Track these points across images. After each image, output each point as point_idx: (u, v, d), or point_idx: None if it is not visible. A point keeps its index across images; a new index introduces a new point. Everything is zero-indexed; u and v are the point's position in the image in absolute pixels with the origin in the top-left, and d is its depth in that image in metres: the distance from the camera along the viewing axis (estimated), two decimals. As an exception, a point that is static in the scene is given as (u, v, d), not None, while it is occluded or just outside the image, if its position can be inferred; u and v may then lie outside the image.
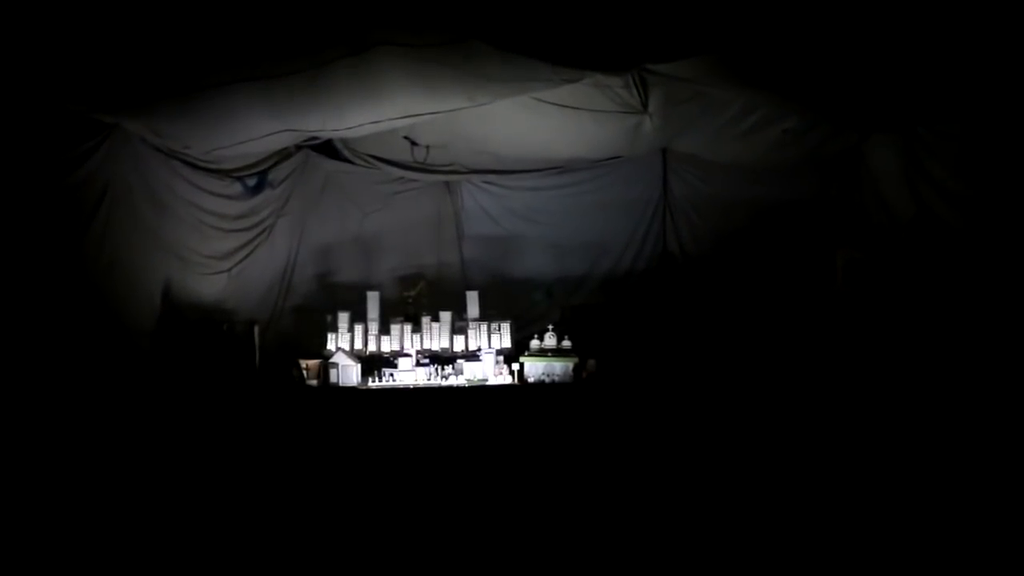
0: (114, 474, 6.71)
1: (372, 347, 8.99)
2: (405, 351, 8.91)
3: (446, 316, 9.11)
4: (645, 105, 8.47)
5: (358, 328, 8.99)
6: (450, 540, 6.24)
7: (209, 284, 8.80)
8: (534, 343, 8.90)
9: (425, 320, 9.07)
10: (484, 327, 9.05)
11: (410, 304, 9.26)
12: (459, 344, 9.06)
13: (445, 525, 6.50)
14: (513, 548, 6.08)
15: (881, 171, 9.25)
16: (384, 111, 7.79)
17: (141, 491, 6.67)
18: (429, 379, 8.62)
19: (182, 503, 6.63)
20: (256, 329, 8.57)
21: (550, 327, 9.00)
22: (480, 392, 8.47)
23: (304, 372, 8.54)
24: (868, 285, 8.46)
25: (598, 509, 6.68)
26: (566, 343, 8.86)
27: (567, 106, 8.44)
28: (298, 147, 9.48)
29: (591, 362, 8.69)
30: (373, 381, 8.54)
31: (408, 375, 8.60)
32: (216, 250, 8.93)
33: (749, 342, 8.83)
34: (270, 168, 9.32)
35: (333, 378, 8.52)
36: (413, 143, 9.47)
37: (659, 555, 5.94)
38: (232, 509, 6.66)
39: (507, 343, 8.99)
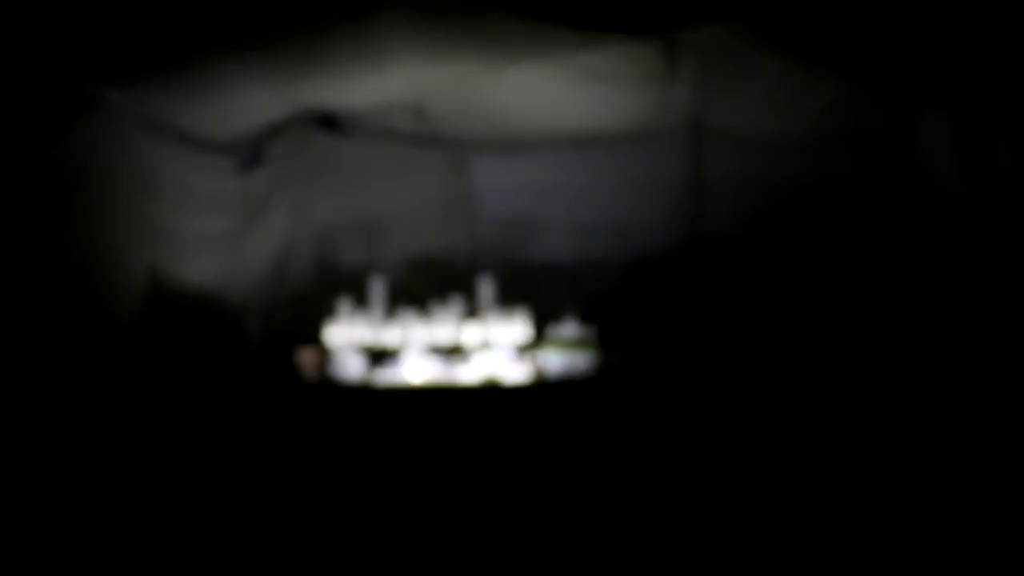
0: (94, 472, 6.74)
1: (376, 338, 8.97)
2: (412, 342, 8.89)
3: (457, 304, 9.05)
4: (674, 73, 8.47)
5: (361, 317, 8.97)
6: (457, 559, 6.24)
7: (199, 269, 8.78)
8: (553, 334, 8.86)
9: (434, 309, 9.03)
10: (498, 316, 8.99)
11: (418, 290, 9.30)
12: (471, 335, 8.97)
13: (449, 537, 6.50)
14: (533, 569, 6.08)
15: (934, 148, 9.08)
16: (389, 79, 7.80)
17: (121, 490, 6.70)
18: (438, 373, 8.63)
19: (164, 505, 6.65)
20: (250, 318, 8.76)
21: (571, 316, 8.93)
22: (493, 388, 8.45)
23: (302, 365, 8.58)
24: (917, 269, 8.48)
25: (619, 519, 6.67)
26: (588, 334, 8.81)
27: (589, 73, 8.38)
28: (295, 119, 9.37)
29: (615, 354, 8.69)
30: (377, 375, 8.57)
31: (416, 368, 8.61)
32: (206, 232, 8.89)
33: (789, 333, 8.83)
34: (265, 142, 9.18)
35: (333, 372, 8.52)
36: (420, 114, 9.43)
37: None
38: (219, 511, 6.69)
39: (524, 334, 8.92)
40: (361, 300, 9.04)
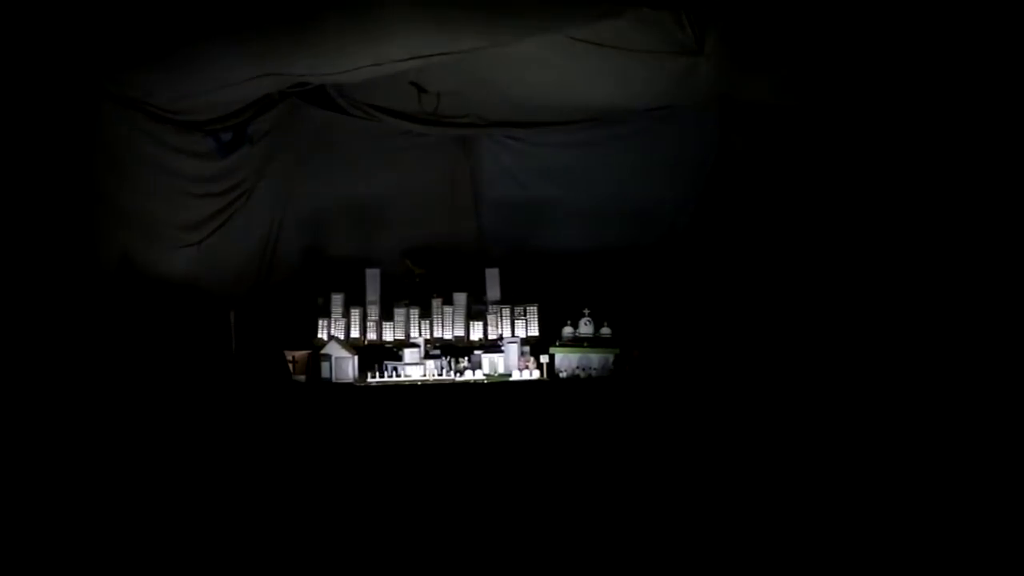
0: (56, 480, 6.61)
1: (372, 335, 9.00)
2: (411, 340, 8.91)
3: (461, 298, 9.09)
4: (700, 45, 8.18)
5: (355, 313, 8.99)
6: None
7: (176, 259, 8.66)
8: (566, 330, 8.82)
9: (436, 303, 9.03)
10: (506, 311, 9.02)
11: (418, 283, 9.30)
12: (476, 332, 9.04)
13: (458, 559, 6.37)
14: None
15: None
16: (387, 51, 7.63)
17: (83, 500, 6.59)
18: (440, 374, 8.57)
19: (132, 519, 6.53)
20: (232, 313, 8.47)
21: (586, 311, 8.88)
22: (501, 390, 8.38)
23: (291, 365, 8.48)
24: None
25: (642, 538, 6.51)
26: (605, 330, 8.80)
27: (606, 45, 8.16)
28: (283, 95, 9.30)
29: (635, 352, 8.61)
30: (373, 376, 8.48)
31: (415, 369, 8.57)
32: (184, 219, 8.78)
33: (832, 329, 8.64)
34: (249, 120, 9.13)
35: (325, 372, 8.48)
36: (421, 90, 9.33)
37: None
38: (193, 530, 6.54)
39: (534, 331, 8.94)
40: (355, 294, 9.10)
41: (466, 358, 8.77)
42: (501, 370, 8.63)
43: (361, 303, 9.03)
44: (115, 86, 7.73)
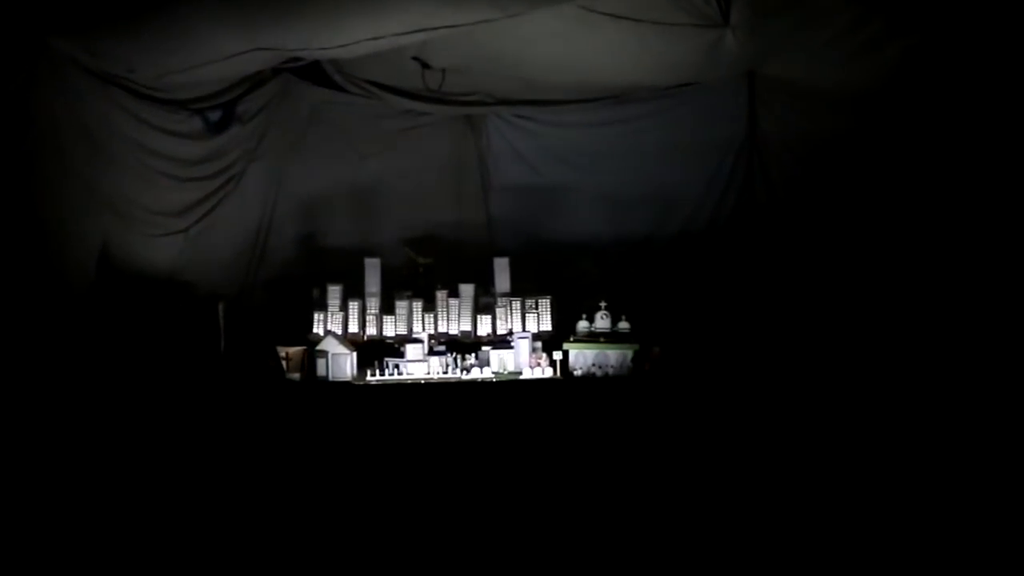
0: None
1: (371, 330, 8.96)
2: (414, 335, 8.85)
3: (468, 290, 9.03)
4: (726, 16, 8.24)
5: (353, 306, 8.96)
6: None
7: (159, 248, 8.71)
8: (582, 325, 8.75)
9: (440, 295, 8.98)
10: (517, 304, 8.97)
11: (421, 274, 9.22)
12: (484, 327, 8.97)
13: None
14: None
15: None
16: (388, 24, 7.63)
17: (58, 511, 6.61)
18: (446, 372, 8.49)
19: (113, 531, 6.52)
20: (221, 307, 8.51)
21: (602, 304, 8.79)
22: (511, 389, 8.31)
23: (284, 362, 8.36)
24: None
25: (664, 555, 6.43)
26: (623, 325, 8.70)
27: (625, 17, 8.22)
28: (276, 71, 9.35)
29: (656, 349, 8.51)
30: (372, 375, 8.41)
31: (418, 367, 8.49)
32: (169, 204, 8.82)
33: (864, 324, 8.62)
34: (239, 98, 9.20)
35: (321, 370, 8.43)
36: (425, 66, 9.29)
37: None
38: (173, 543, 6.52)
39: (547, 325, 8.90)
40: (354, 285, 9.06)
41: (473, 355, 8.70)
42: (511, 368, 8.53)
43: (360, 295, 8.99)
44: (95, 62, 7.80)
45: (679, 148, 10.03)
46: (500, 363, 8.54)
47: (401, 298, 8.99)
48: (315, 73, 9.55)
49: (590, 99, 10.04)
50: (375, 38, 7.86)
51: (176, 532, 6.60)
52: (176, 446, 7.41)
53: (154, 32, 7.34)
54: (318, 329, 8.82)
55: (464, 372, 8.51)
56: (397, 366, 8.48)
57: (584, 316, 8.78)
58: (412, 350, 8.58)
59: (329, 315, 8.88)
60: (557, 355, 8.47)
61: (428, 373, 8.46)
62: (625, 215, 10.07)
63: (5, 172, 7.15)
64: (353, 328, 8.90)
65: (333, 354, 8.42)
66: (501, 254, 9.33)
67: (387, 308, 8.98)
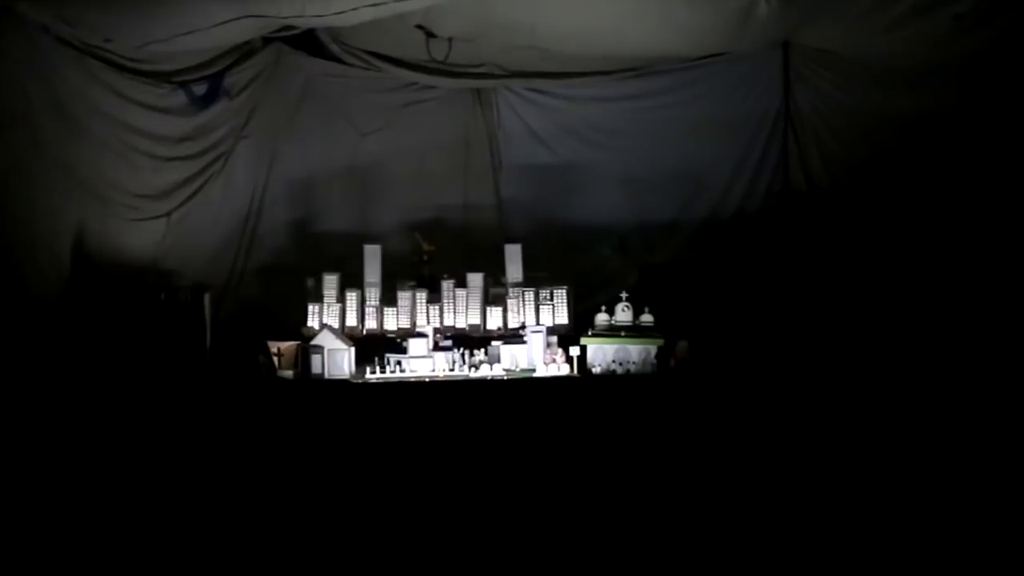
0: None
1: (371, 324, 8.90)
2: (418, 329, 8.79)
3: (476, 280, 8.96)
4: None
5: (351, 297, 8.89)
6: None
7: (140, 234, 8.74)
8: (601, 318, 8.65)
9: (446, 286, 8.92)
10: (530, 295, 8.89)
11: (426, 262, 9.14)
12: (495, 320, 8.92)
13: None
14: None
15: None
16: None
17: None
18: (452, 369, 8.46)
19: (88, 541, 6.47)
20: (207, 297, 8.49)
21: (624, 296, 8.72)
22: (524, 388, 8.24)
23: (276, 359, 8.29)
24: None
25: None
26: (646, 318, 8.62)
27: None
28: (267, 40, 9.29)
29: (682, 344, 8.44)
30: (372, 372, 8.35)
31: (422, 363, 8.44)
32: (150, 186, 8.82)
33: (906, 314, 8.58)
34: (227, 70, 9.19)
35: (316, 367, 8.35)
36: (430, 35, 9.24)
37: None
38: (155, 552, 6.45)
39: (563, 318, 8.81)
40: (352, 275, 8.99)
41: (482, 350, 8.61)
42: (523, 365, 8.48)
43: (359, 286, 8.90)
44: (70, 31, 7.86)
45: (707, 125, 10.02)
46: (512, 359, 8.49)
47: (404, 288, 8.91)
48: (310, 43, 9.56)
49: (610, 71, 10.01)
50: (375, 4, 7.76)
51: (157, 544, 6.53)
52: (158, 452, 7.35)
53: (133, -1, 7.35)
54: (313, 322, 8.75)
55: (472, 369, 8.45)
56: (399, 363, 8.42)
57: (603, 308, 8.70)
58: (415, 345, 8.52)
59: (325, 307, 8.85)
60: (574, 351, 8.40)
61: (433, 370, 8.42)
62: (648, 198, 10.05)
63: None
64: (351, 321, 8.84)
65: (329, 350, 8.35)
66: (513, 240, 9.29)
67: (388, 299, 8.90)
